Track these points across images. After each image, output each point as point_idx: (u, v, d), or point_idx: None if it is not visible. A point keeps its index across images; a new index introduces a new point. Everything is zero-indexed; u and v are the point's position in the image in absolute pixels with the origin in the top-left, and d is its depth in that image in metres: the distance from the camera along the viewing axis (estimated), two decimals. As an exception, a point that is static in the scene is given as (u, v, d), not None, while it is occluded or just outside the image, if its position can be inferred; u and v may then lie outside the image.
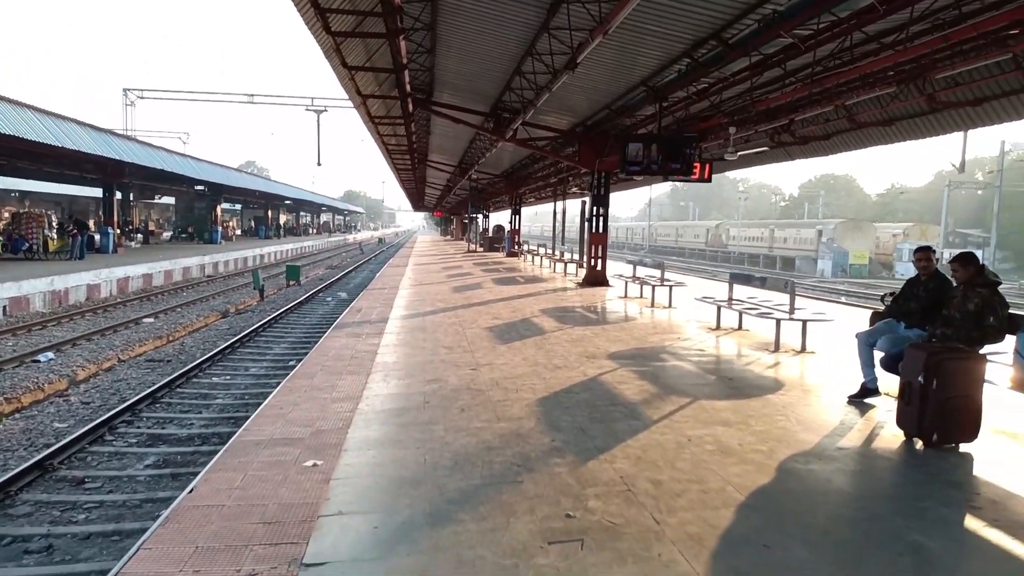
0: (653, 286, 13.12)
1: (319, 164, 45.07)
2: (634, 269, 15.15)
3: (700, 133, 13.15)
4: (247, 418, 6.47)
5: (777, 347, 8.44)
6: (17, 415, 9.22)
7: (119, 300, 20.58)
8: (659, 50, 10.31)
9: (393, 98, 14.17)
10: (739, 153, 12.94)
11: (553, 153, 19.52)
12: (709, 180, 15.43)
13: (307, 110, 41.43)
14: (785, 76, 9.70)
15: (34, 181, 42.02)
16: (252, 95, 40.05)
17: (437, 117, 18.42)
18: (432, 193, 55.76)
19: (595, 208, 17.32)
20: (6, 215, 27.34)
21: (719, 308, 10.07)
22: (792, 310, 8.36)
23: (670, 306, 12.89)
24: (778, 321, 8.35)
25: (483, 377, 6.99)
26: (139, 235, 38.90)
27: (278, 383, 7.84)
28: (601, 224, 17.35)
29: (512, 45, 11.70)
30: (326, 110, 42.02)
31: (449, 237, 73.08)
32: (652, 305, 13.01)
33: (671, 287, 13.00)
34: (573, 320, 11.29)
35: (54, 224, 23.89)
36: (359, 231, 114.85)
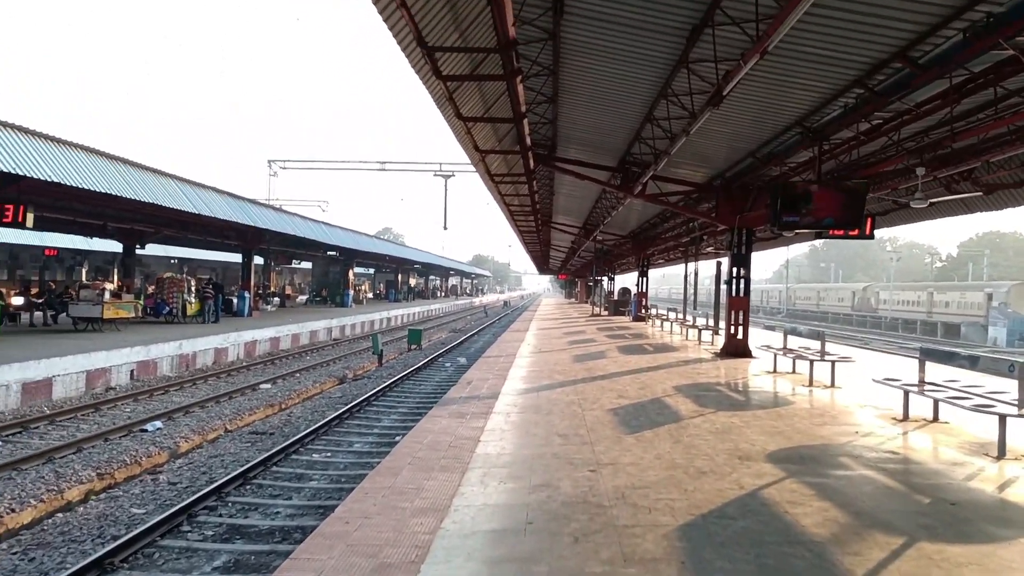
0: (811, 361, 11.02)
1: (445, 228, 45.62)
2: (785, 339, 13.05)
3: (868, 180, 11.13)
4: (335, 506, 5.32)
5: (1002, 452, 6.28)
6: (104, 494, 8.62)
7: (244, 364, 20.73)
8: (822, 80, 8.64)
9: (514, 153, 13.22)
10: (931, 201, 10.75)
11: (686, 209, 17.87)
12: (871, 236, 13.25)
13: (435, 175, 42.26)
14: (996, 101, 7.69)
15: (187, 248, 45.28)
16: (384, 163, 41.39)
17: (561, 174, 17.40)
18: (557, 255, 54.98)
19: (735, 269, 15.39)
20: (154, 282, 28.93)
21: (906, 393, 7.94)
22: (1023, 403, 6.21)
23: (832, 385, 10.74)
24: (1003, 417, 6.22)
25: (605, 484, 5.43)
26: (276, 298, 40.46)
27: (379, 462, 6.66)
28: (742, 287, 15.38)
29: (644, 87, 10.43)
30: (453, 175, 42.73)
31: (573, 300, 71.85)
32: (810, 384, 10.88)
33: (833, 362, 10.85)
34: (715, 402, 9.45)
35: (193, 289, 24.80)
36: (485, 294, 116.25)
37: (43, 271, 47.55)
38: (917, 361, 8.19)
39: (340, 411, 13.66)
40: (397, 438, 11.85)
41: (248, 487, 9.02)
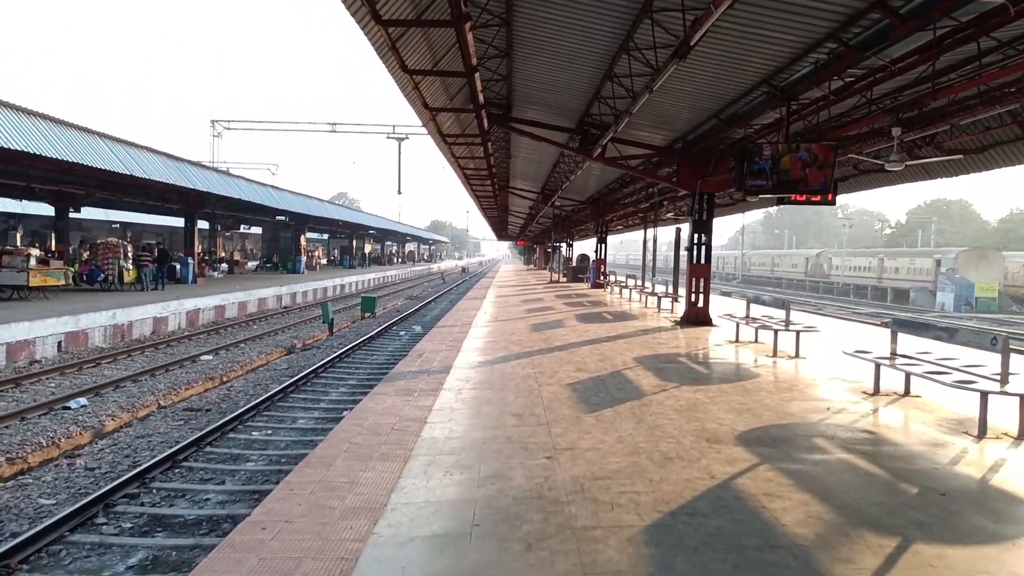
0: (775, 331, 10.65)
1: (400, 192, 44.46)
2: (747, 307, 12.68)
3: (838, 142, 10.69)
4: (270, 492, 4.69)
5: (983, 431, 5.93)
6: (12, 482, 7.79)
7: (186, 334, 19.69)
8: (793, 32, 8.06)
9: (467, 111, 12.45)
10: (907, 164, 10.34)
11: (647, 173, 17.34)
12: (833, 202, 12.87)
13: (388, 138, 40.86)
14: (979, 56, 7.22)
15: (130, 213, 43.25)
16: (334, 124, 39.81)
17: (517, 135, 16.63)
18: (515, 221, 54.30)
19: (696, 235, 14.98)
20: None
21: (878, 366, 7.58)
22: (1006, 378, 5.85)
23: (797, 355, 10.41)
24: (984, 394, 5.85)
25: (562, 474, 4.89)
26: (223, 265, 38.97)
27: (323, 439, 6.03)
28: (704, 253, 14.98)
29: (604, 39, 9.73)
30: (407, 137, 41.37)
31: (532, 267, 71.42)
32: (774, 355, 10.53)
33: (798, 332, 10.51)
34: (678, 375, 9.01)
35: (129, 254, 23.45)
36: (443, 260, 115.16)
37: (-27, 235, 44.97)
38: (889, 332, 7.81)
39: (285, 384, 12.93)
40: (344, 413, 11.23)
41: (176, 471, 8.29)
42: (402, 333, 21.30)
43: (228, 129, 41.86)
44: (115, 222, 50.98)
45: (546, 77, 12.68)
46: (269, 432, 10.13)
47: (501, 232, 71.80)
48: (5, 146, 13.92)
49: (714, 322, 14.68)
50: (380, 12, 7.44)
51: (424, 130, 39.99)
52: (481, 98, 11.28)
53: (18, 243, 41.39)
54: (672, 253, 21.42)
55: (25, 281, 18.20)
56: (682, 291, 17.16)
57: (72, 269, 21.59)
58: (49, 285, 19.15)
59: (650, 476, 4.84)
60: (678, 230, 21.19)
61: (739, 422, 6.36)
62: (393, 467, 5.13)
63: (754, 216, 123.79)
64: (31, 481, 7.72)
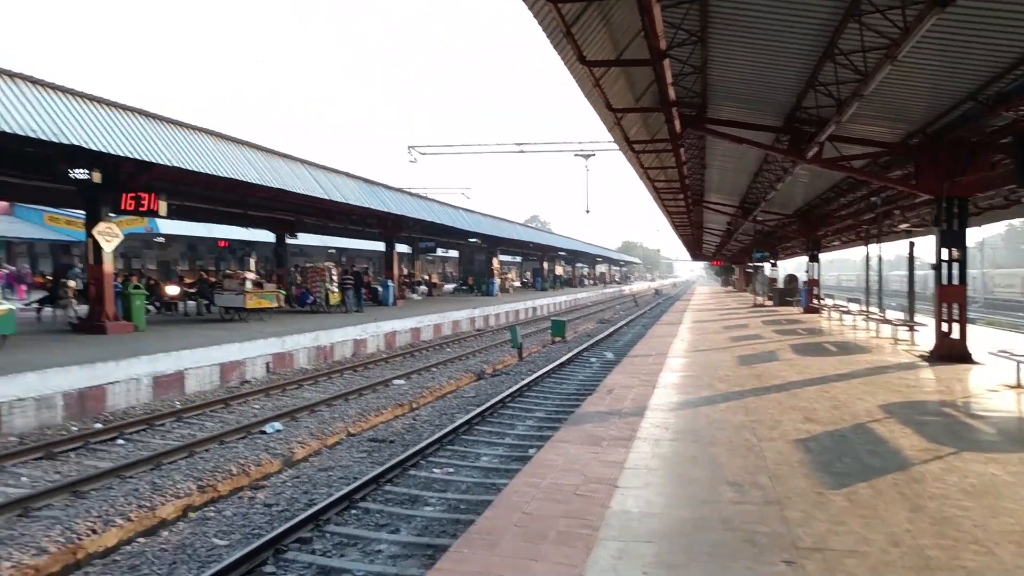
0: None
1: (587, 211, 43.66)
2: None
3: None
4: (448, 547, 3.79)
5: None
6: (199, 512, 7.68)
7: (384, 356, 20.09)
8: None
9: (655, 110, 11.09)
10: None
11: (875, 176, 14.78)
12: None
13: (575, 156, 40.28)
14: None
15: (343, 238, 46.60)
16: (521, 144, 39.97)
17: (713, 141, 14.94)
18: (710, 239, 51.26)
19: (945, 250, 12.32)
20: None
21: None
22: None
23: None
24: None
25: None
26: (422, 287, 40.50)
27: (506, 484, 5.07)
28: (956, 272, 12.28)
29: (823, 7, 7.97)
30: (594, 154, 40.46)
31: (731, 288, 67.32)
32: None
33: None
34: (950, 434, 6.93)
35: (335, 278, 24.73)
36: (634, 282, 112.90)
37: (218, 261, 51.04)
38: None
39: (471, 415, 12.29)
40: (531, 451, 10.29)
41: (352, 512, 7.75)
42: (592, 360, 20.18)
43: (424, 155, 43.75)
44: (331, 247, 55.48)
45: (748, 64, 10.97)
46: (451, 471, 9.42)
47: (695, 251, 68.50)
48: (213, 172, 14.85)
49: (975, 358, 11.90)
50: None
51: (612, 146, 38.89)
52: (672, 93, 9.90)
53: (252, 268, 46.27)
54: (893, 273, 18.26)
55: (243, 304, 19.55)
56: (921, 318, 14.33)
57: (283, 292, 23.05)
58: (264, 307, 20.47)
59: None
60: (911, 244, 18.05)
61: (1072, 519, 4.40)
62: (573, 555, 3.96)
63: (994, 229, 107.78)
64: (213, 515, 7.54)
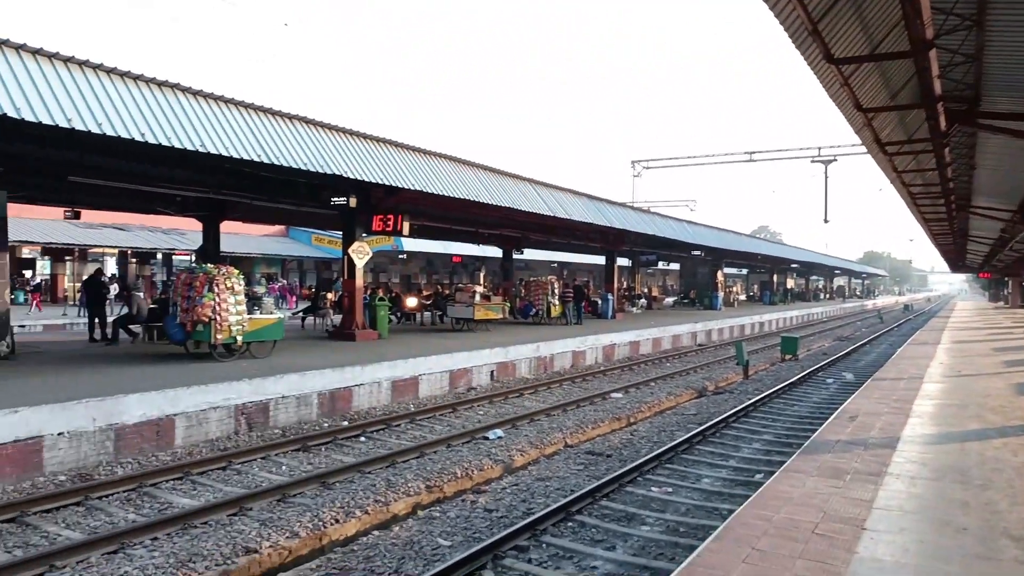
0: None
1: (826, 221, 40.14)
2: None
3: None
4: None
5: None
6: (426, 512, 8.14)
7: (602, 368, 20.09)
8: None
9: (914, 107, 9.79)
10: None
11: None
12: None
13: (812, 162, 37.31)
14: None
15: (564, 253, 47.72)
16: (751, 153, 37.91)
17: (986, 137, 12.89)
18: (976, 249, 44.57)
19: None
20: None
21: None
22: None
23: None
24: None
25: None
26: (642, 300, 40.02)
27: (729, 511, 4.75)
28: None
29: None
30: (835, 159, 37.17)
31: (1002, 304, 58.04)
32: None
33: None
34: None
35: (556, 291, 25.26)
36: (878, 296, 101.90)
37: (451, 275, 54.87)
38: None
39: (691, 433, 11.78)
40: (757, 475, 9.60)
41: (568, 524, 7.72)
42: (829, 381, 18.42)
43: (647, 168, 43.30)
44: (553, 261, 57.11)
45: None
46: (669, 490, 9.05)
47: (956, 262, 60.03)
48: (450, 194, 15.88)
49: None
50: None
51: (855, 149, 35.49)
52: (937, 87, 8.65)
53: (481, 281, 49.05)
54: None
55: (472, 315, 20.67)
56: None
57: (508, 304, 24.00)
58: (490, 318, 21.47)
59: None
60: None
61: None
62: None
63: None
64: (438, 515, 7.93)
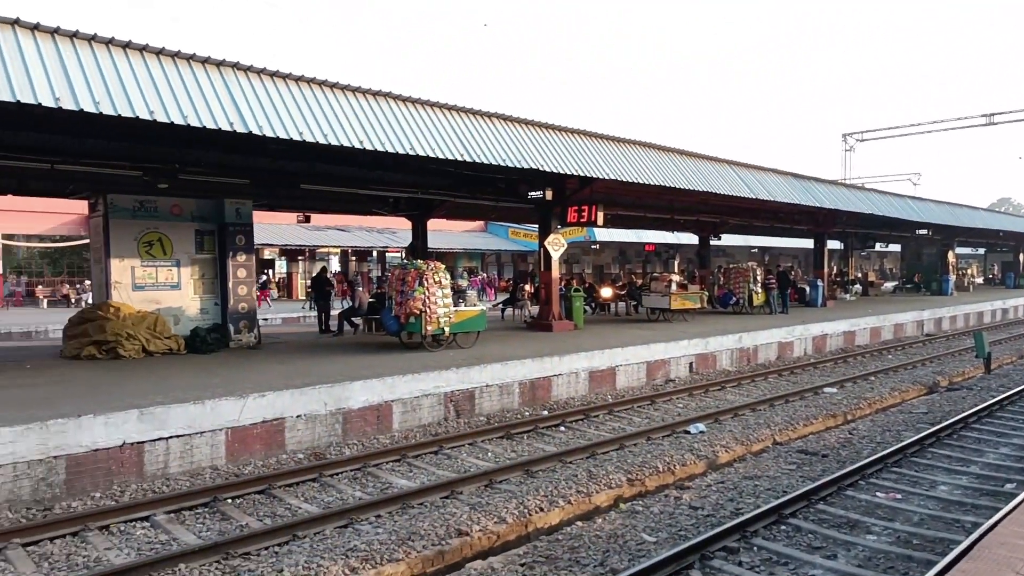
0: None
1: (1094, 189, 33.91)
2: None
3: None
4: None
5: None
6: (628, 505, 8.08)
7: (811, 361, 18.73)
8: None
9: None
10: None
11: None
12: None
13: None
14: None
15: (763, 237, 45.08)
16: (991, 115, 32.95)
17: None
18: None
19: None
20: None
21: None
22: None
23: None
24: None
25: None
26: (856, 286, 36.70)
27: (974, 523, 4.25)
28: None
29: None
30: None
31: None
32: None
33: None
34: None
35: (757, 278, 23.89)
36: None
37: (644, 264, 54.15)
38: None
39: (922, 433, 10.60)
40: (1008, 485, 8.44)
41: (782, 528, 7.28)
42: (1100, 378, 15.67)
43: (861, 141, 39.44)
44: (754, 247, 54.25)
45: None
46: (898, 497, 8.20)
47: None
48: (652, 183, 15.63)
49: None
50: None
51: None
52: None
53: (676, 270, 47.86)
54: None
55: (668, 305, 20.21)
56: None
57: (706, 293, 23.13)
58: (687, 308, 20.84)
59: None
60: None
61: None
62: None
63: None
64: (641, 509, 7.83)
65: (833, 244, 36.71)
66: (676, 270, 47.25)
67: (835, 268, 39.85)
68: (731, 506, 7.90)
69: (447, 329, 13.88)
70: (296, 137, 10.51)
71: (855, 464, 9.10)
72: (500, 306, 24.00)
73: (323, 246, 39.25)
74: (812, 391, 14.65)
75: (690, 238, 34.29)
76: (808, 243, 35.26)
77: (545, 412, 12.40)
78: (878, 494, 8.28)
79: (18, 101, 8.04)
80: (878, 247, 44.30)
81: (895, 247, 47.68)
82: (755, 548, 6.74)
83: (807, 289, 28.32)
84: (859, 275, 44.30)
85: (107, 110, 8.72)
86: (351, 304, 18.10)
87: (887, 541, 6.89)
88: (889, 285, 46.77)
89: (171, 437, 8.51)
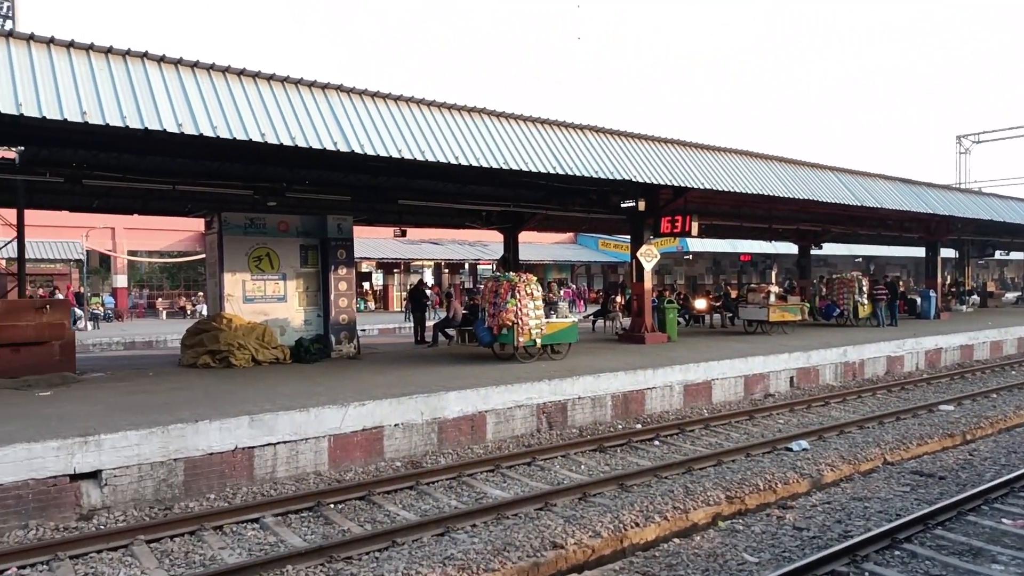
0: None
1: None
2: None
3: None
4: None
5: None
6: (728, 523, 7.85)
7: (924, 377, 17.64)
8: None
9: None
10: None
11: None
12: None
13: None
14: None
15: (869, 246, 42.89)
16: None
17: None
18: None
19: None
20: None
21: None
22: None
23: None
24: None
25: None
26: (974, 297, 34.33)
27: None
28: None
29: None
30: None
31: None
32: None
33: None
34: None
35: (864, 289, 22.72)
36: None
37: (740, 275, 52.60)
38: None
39: (1053, 456, 9.80)
40: None
41: (895, 553, 6.88)
42: None
43: (977, 143, 36.90)
44: (857, 256, 51.72)
45: None
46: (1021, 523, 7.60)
47: None
48: (749, 191, 15.24)
49: None
50: None
51: None
52: None
53: (773, 280, 46.23)
54: None
55: (766, 316, 19.55)
56: None
57: (807, 305, 22.22)
58: (787, 320, 20.09)
59: None
60: None
61: None
62: None
63: None
64: (741, 528, 7.59)
65: (947, 252, 34.51)
66: (774, 281, 45.64)
67: (949, 278, 37.42)
68: (839, 528, 7.53)
69: (539, 341, 13.94)
70: (395, 155, 10.89)
71: (977, 488, 8.50)
72: (591, 317, 23.89)
73: (418, 259, 40.31)
74: (926, 408, 13.80)
75: (788, 248, 33.06)
76: (917, 251, 33.19)
77: (639, 425, 12.23)
78: (1004, 520, 7.70)
79: (146, 128, 8.74)
80: (998, 255, 41.25)
81: (1017, 255, 44.28)
82: (866, 574, 6.40)
83: (918, 300, 26.73)
84: (976, 285, 41.41)
85: (223, 134, 9.34)
86: (445, 315, 18.49)
87: (1015, 572, 6.40)
88: (1011, 296, 43.43)
89: (279, 443, 8.94)
